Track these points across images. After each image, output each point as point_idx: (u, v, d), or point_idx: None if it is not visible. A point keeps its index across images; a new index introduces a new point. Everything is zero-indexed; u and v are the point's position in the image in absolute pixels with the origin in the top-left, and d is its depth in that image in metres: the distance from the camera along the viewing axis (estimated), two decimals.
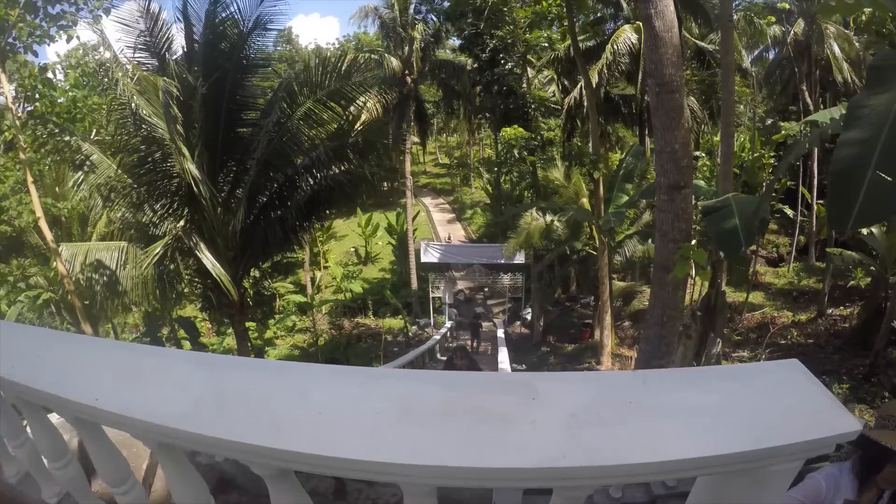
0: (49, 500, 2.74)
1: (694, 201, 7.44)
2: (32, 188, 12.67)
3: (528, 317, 25.88)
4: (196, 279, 10.48)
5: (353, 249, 36.35)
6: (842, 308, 15.60)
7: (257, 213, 10.36)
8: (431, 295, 26.62)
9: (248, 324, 15.44)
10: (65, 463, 2.30)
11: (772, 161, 19.36)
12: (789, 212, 20.50)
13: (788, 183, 21.83)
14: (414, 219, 27.77)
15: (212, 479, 5.19)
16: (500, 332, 21.06)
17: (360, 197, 11.65)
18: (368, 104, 17.07)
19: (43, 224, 12.40)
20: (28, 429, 2.46)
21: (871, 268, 11.99)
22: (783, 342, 13.86)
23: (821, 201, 21.89)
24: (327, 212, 11.39)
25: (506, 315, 27.47)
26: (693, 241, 6.90)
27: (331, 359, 19.46)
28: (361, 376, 1.65)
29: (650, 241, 17.41)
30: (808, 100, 19.97)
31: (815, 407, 1.26)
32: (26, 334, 2.51)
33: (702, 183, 10.14)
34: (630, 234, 16.20)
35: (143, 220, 9.64)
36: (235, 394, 1.53)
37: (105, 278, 9.39)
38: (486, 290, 31.37)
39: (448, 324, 23.45)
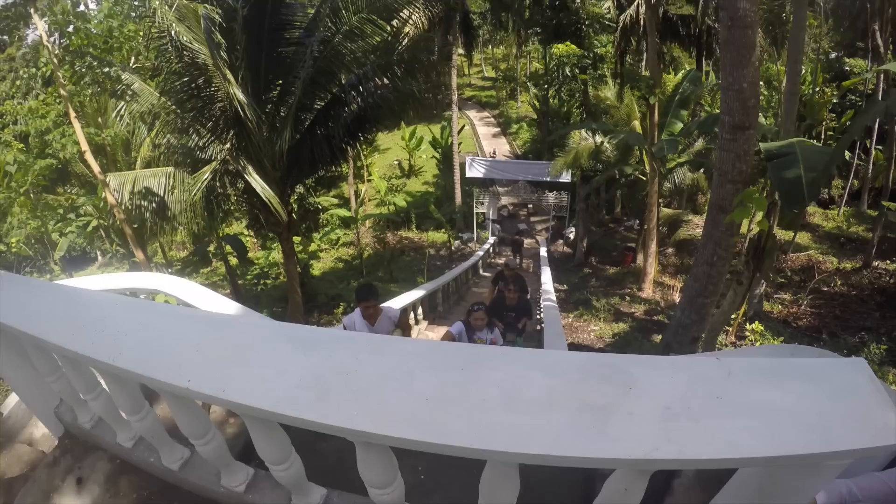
0: (124, 444, 2.95)
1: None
2: (75, 121, 12.81)
3: (571, 236, 25.63)
4: (243, 200, 10.60)
5: (396, 162, 36.04)
6: (888, 262, 14.88)
7: (304, 132, 10.28)
8: (475, 210, 26.51)
9: (293, 238, 15.73)
10: (143, 416, 2.50)
11: (833, 100, 18.07)
12: (846, 154, 19.23)
13: (847, 122, 20.50)
14: (459, 132, 27.11)
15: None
16: (543, 251, 20.93)
17: (406, 113, 11.43)
18: (413, 17, 16.29)
19: (89, 156, 12.65)
20: (103, 383, 2.65)
21: None
22: (825, 289, 13.39)
23: (879, 147, 20.57)
24: (374, 128, 11.20)
25: (549, 233, 27.27)
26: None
27: (365, 286, 19.62)
28: (463, 359, 1.71)
29: (701, 170, 16.72)
30: (879, 39, 18.12)
31: (880, 414, 1.34)
32: (104, 304, 2.63)
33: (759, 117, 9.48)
34: (682, 162, 15.52)
35: (189, 144, 9.69)
36: (338, 377, 1.65)
37: (154, 204, 9.55)
38: (529, 206, 31.05)
39: (491, 239, 23.47)
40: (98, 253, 20.50)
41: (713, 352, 5.12)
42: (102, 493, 3.05)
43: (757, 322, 9.90)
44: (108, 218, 15.68)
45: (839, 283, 13.56)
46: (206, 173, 8.08)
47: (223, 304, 4.95)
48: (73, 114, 12.64)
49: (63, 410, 3.26)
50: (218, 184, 9.21)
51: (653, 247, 14.68)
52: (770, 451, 1.30)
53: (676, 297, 13.88)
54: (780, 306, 12.71)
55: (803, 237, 18.05)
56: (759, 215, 5.83)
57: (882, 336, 9.78)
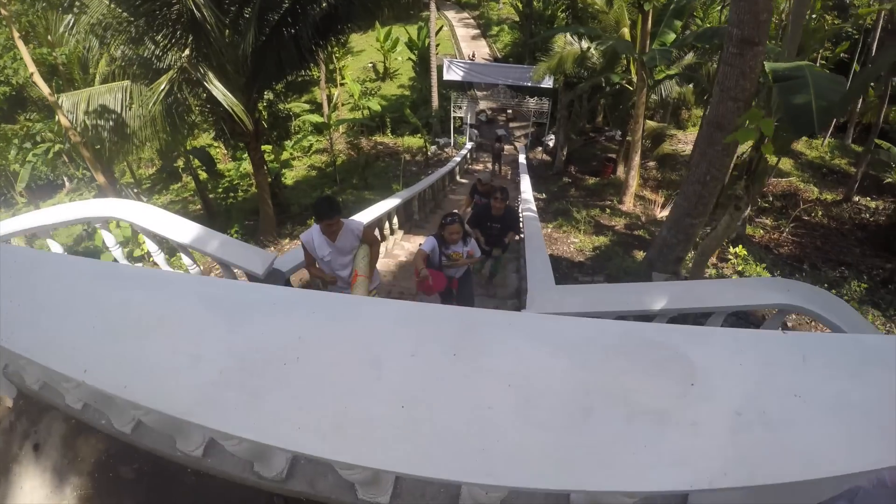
0: (74, 405, 2.72)
1: None
2: (20, 43, 11.85)
3: (551, 144, 25.11)
4: (207, 110, 9.88)
5: (370, 65, 34.33)
6: (869, 199, 14.88)
7: (270, 33, 9.45)
8: (453, 114, 25.61)
9: (264, 147, 15.04)
10: (76, 384, 2.17)
11: (833, 28, 17.29)
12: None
13: (842, 54, 19.84)
14: (436, 34, 25.67)
15: None
16: (522, 158, 20.51)
17: (381, 12, 10.65)
18: None
19: (37, 78, 11.74)
20: None
21: None
22: (806, 218, 13.38)
23: (872, 84, 20.09)
24: (346, 28, 10.36)
25: (528, 139, 26.69)
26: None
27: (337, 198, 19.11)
28: (454, 333, 1.32)
29: (690, 84, 16.08)
30: None
31: None
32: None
33: None
34: (671, 74, 14.87)
35: (145, 54, 8.78)
36: (274, 367, 1.22)
37: (111, 122, 8.74)
38: (509, 112, 30.20)
39: (469, 145, 22.89)
40: (65, 179, 19.58)
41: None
42: (60, 458, 2.90)
43: (741, 246, 9.82)
44: (66, 142, 14.70)
45: (820, 213, 13.55)
46: (162, 84, 7.37)
47: (179, 226, 4.68)
48: (16, 35, 11.66)
49: (11, 371, 3.02)
50: (179, 94, 8.48)
51: (636, 160, 14.35)
52: (850, 466, 1.03)
53: (658, 213, 13.75)
54: (761, 231, 12.68)
55: (785, 163, 17.85)
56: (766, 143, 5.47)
57: (862, 273, 9.83)
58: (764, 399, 1.10)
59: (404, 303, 1.58)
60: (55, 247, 4.77)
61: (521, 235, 11.49)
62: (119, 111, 8.64)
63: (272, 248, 11.28)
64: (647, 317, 4.51)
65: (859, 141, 19.66)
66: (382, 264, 8.13)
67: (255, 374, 1.20)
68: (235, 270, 4.93)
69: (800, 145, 20.29)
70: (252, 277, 4.63)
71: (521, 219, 13.15)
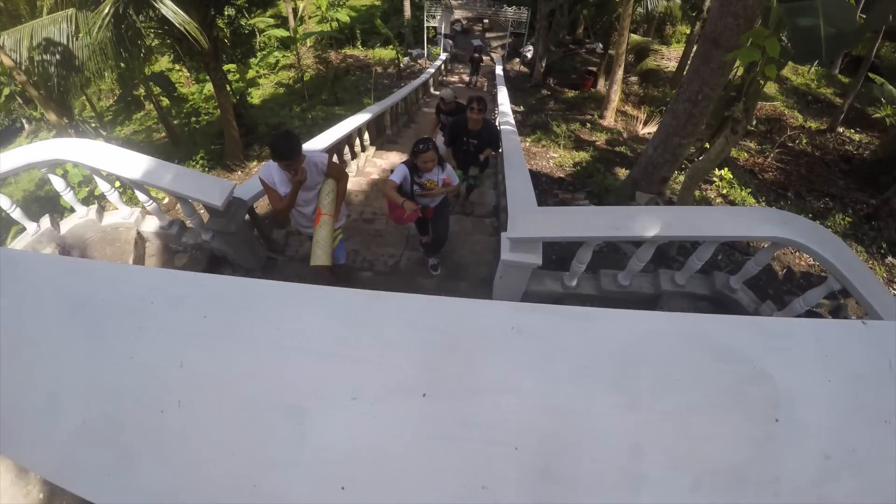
0: None
1: None
2: None
3: (529, 55, 24.22)
4: (161, 31, 9.12)
5: None
6: (853, 131, 14.53)
7: None
8: (426, 24, 24.39)
9: (228, 66, 14.20)
10: None
11: None
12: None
13: None
14: None
15: (202, 259, 5.04)
16: (499, 69, 19.74)
17: None
18: None
19: None
20: None
21: None
22: (791, 145, 13.10)
23: (864, 15, 19.24)
24: None
25: (505, 50, 25.70)
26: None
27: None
28: (425, 353, 0.92)
29: None
30: None
31: None
32: None
33: None
34: None
35: None
36: (144, 414, 0.86)
37: (58, 56, 7.93)
38: (485, 21, 28.97)
39: (443, 56, 21.97)
40: (24, 121, 18.40)
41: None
42: None
43: (726, 168, 9.63)
44: (10, 82, 13.55)
45: (805, 141, 13.27)
46: (106, 7, 6.67)
47: (128, 161, 4.32)
48: None
49: None
50: (127, 17, 7.72)
51: (619, 74, 13.78)
52: None
53: (640, 129, 13.41)
54: (746, 154, 12.43)
55: (770, 87, 17.35)
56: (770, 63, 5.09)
57: (847, 206, 9.72)
58: (854, 432, 0.82)
59: (347, 294, 1.08)
60: (3, 200, 4.36)
61: (500, 151, 11.19)
62: (66, 43, 7.85)
63: (239, 172, 10.85)
64: (636, 242, 4.32)
65: (846, 72, 19.14)
66: (354, 183, 7.83)
67: (123, 427, 0.83)
68: (194, 204, 4.62)
69: (786, 70, 19.78)
70: (213, 211, 4.34)
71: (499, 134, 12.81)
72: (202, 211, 5.42)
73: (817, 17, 4.88)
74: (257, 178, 4.91)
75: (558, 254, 6.17)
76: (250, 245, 4.90)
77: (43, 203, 10.40)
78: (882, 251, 8.13)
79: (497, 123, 12.98)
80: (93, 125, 13.67)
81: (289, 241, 5.60)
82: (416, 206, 4.19)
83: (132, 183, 4.36)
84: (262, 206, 7.25)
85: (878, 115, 14.32)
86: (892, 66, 16.09)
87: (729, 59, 5.68)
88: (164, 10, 7.19)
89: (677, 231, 3.80)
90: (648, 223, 3.79)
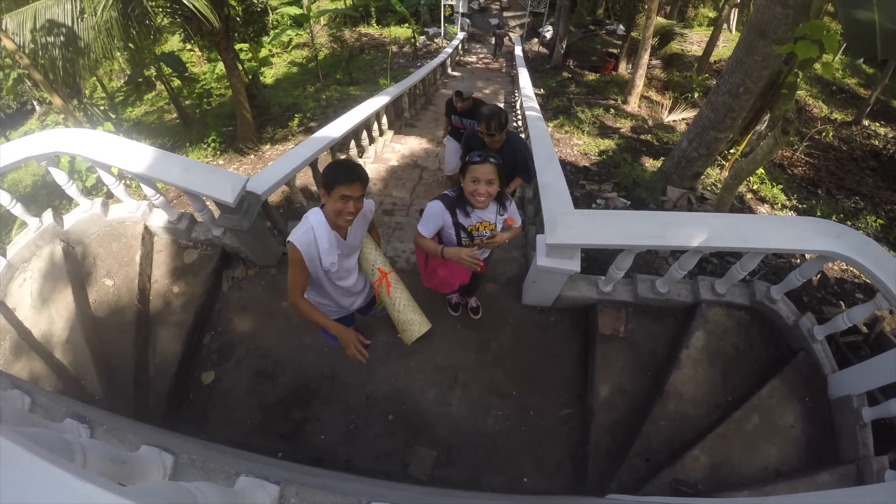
0: None
1: None
2: None
3: (548, 35, 23.60)
4: (168, 10, 8.72)
5: None
6: (878, 124, 13.97)
7: None
8: (443, 2, 23.76)
9: (240, 45, 13.78)
10: None
11: None
12: None
13: None
14: None
15: (214, 255, 4.73)
16: (518, 50, 19.24)
17: None
18: None
19: None
20: None
21: None
22: (817, 138, 12.53)
23: None
24: None
25: (523, 30, 25.05)
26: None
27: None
28: None
29: None
30: None
31: None
32: None
33: None
34: None
35: None
36: None
37: (62, 38, 7.54)
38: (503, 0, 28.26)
39: (460, 35, 21.44)
40: (35, 103, 18.09)
41: None
42: None
43: None
44: (16, 66, 13.18)
45: (831, 134, 12.72)
46: None
47: (132, 154, 4.00)
48: None
49: None
50: None
51: (645, 58, 13.24)
52: None
53: (665, 116, 12.89)
54: None
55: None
56: (827, 55, 4.66)
57: (878, 207, 9.29)
58: None
59: None
60: (2, 196, 4.05)
61: (532, 180, 10.73)
62: (70, 24, 7.45)
63: (252, 156, 10.53)
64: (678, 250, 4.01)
65: (871, 63, 18.43)
66: (372, 171, 7.51)
67: None
68: (205, 199, 4.29)
69: None
70: (224, 207, 4.01)
71: (516, 113, 12.35)
72: (211, 205, 5.11)
73: (872, 10, 4.50)
74: (273, 167, 4.61)
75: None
76: (264, 241, 4.58)
77: (52, 190, 10.13)
78: None
79: (519, 107, 12.58)
80: (102, 107, 13.36)
81: None
82: (476, 256, 2.79)
83: (137, 177, 4.03)
84: (275, 197, 6.94)
85: None
86: None
87: (784, 52, 5.23)
88: None
89: (727, 242, 3.57)
90: (696, 232, 3.57)
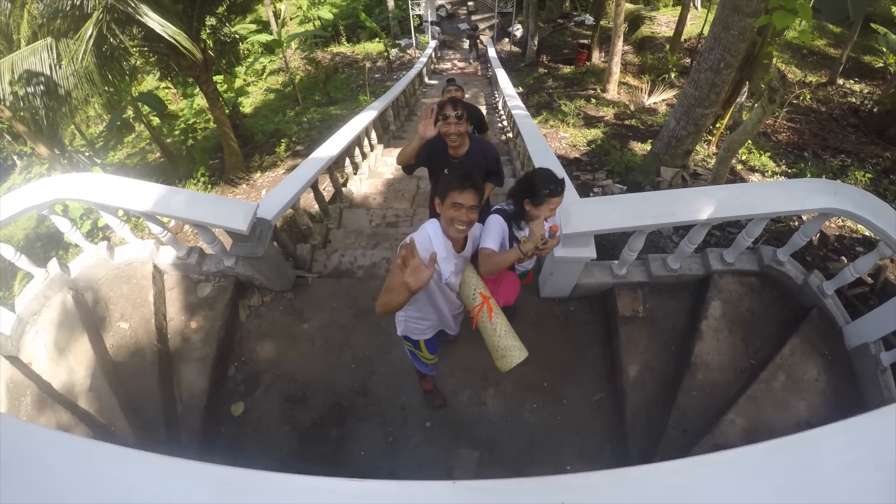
0: None
1: None
2: None
3: (518, 34, 23.77)
4: (146, 48, 8.72)
5: None
6: (852, 82, 14.17)
7: None
8: (412, 13, 23.87)
9: (215, 77, 13.78)
10: None
11: None
12: None
13: None
14: None
15: (228, 286, 4.72)
16: (492, 51, 19.34)
17: None
18: None
19: None
20: None
21: None
22: (796, 102, 12.67)
23: None
24: None
25: (493, 31, 25.21)
26: None
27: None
28: None
29: None
30: None
31: None
32: None
33: None
34: None
35: (65, 3, 7.28)
36: None
37: (41, 87, 7.49)
38: (470, 4, 28.45)
39: (432, 43, 21.52)
40: (14, 158, 17.96)
41: None
42: None
43: None
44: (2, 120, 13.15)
45: (808, 96, 12.86)
46: (88, 29, 6.26)
47: (138, 192, 4.00)
48: None
49: None
50: (111, 39, 7.32)
51: (619, 45, 13.34)
52: None
53: (645, 99, 12.98)
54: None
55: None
56: (802, 23, 4.76)
57: (864, 162, 9.42)
58: None
59: None
60: (5, 250, 4.00)
61: (506, 136, 10.83)
62: (48, 73, 7.40)
63: (244, 185, 10.52)
64: (687, 225, 4.08)
65: (838, 22, 18.70)
66: (369, 185, 7.55)
67: None
68: (214, 230, 4.28)
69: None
70: (237, 236, 4.00)
71: (500, 114, 12.43)
72: (222, 237, 5.10)
73: None
74: (274, 193, 4.61)
75: None
76: (279, 266, 4.58)
77: (46, 241, 10.07)
78: None
79: (501, 108, 12.62)
80: (86, 154, 13.30)
81: (315, 256, 5.26)
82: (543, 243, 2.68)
83: (143, 215, 4.03)
84: (278, 221, 6.93)
85: (879, 64, 13.98)
86: (883, 15, 15.63)
87: (761, 24, 5.34)
88: (151, 24, 6.78)
89: (735, 211, 3.71)
90: (703, 205, 3.69)
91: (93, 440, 1.31)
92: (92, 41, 6.34)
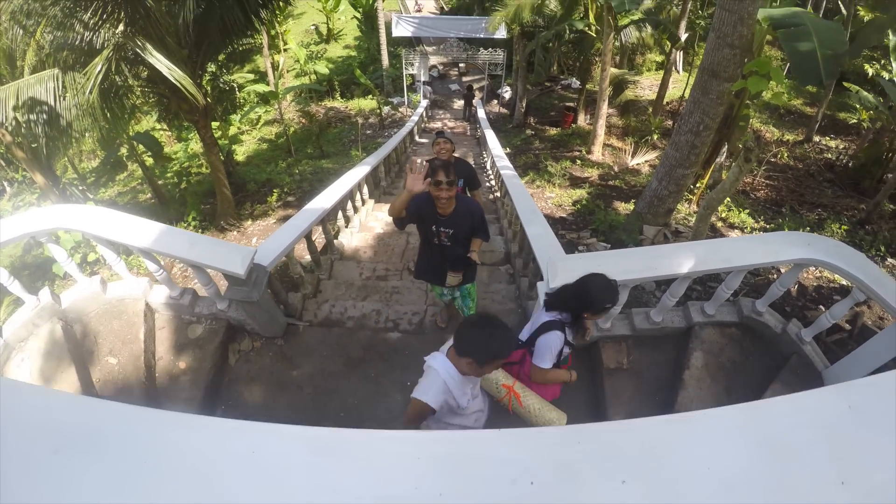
0: None
1: None
2: None
3: (507, 96, 24.59)
4: (149, 90, 8.95)
5: (313, 27, 32.92)
6: (828, 138, 14.92)
7: None
8: (405, 72, 24.64)
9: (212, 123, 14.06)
10: None
11: None
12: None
13: None
14: None
15: (220, 329, 4.74)
16: (481, 112, 19.91)
17: None
18: None
19: None
20: None
21: (883, 114, 11.07)
22: (774, 161, 13.30)
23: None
24: None
25: (483, 93, 26.03)
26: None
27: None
28: None
29: (646, 28, 15.57)
30: None
31: None
32: None
33: None
34: (635, 20, 14.38)
35: (76, 37, 7.66)
36: None
37: (44, 116, 7.65)
38: (461, 66, 29.44)
39: (424, 102, 22.12)
40: (5, 184, 17.99)
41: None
42: None
43: None
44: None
45: (786, 154, 13.43)
46: (97, 65, 6.46)
47: (137, 229, 4.10)
48: None
49: None
50: (116, 76, 7.54)
51: (604, 108, 13.93)
52: None
53: (629, 160, 13.45)
54: None
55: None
56: (771, 86, 5.14)
57: (840, 214, 9.82)
58: None
59: None
60: (1, 273, 4.06)
61: (494, 195, 11.08)
62: (52, 102, 7.56)
63: (235, 232, 10.59)
64: (668, 280, 4.27)
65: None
66: (360, 239, 7.69)
67: None
68: (209, 272, 4.37)
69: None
70: (233, 279, 4.09)
71: (488, 174, 12.75)
72: (217, 279, 5.17)
73: (812, 40, 4.99)
74: (271, 240, 4.73)
75: None
76: (271, 312, 4.64)
77: (33, 270, 9.95)
78: (881, 254, 8.15)
79: (490, 168, 12.97)
80: (80, 187, 13.33)
81: (306, 305, 5.35)
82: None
83: (142, 251, 4.11)
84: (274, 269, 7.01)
85: (853, 120, 14.57)
86: (856, 72, 16.49)
87: (737, 89, 5.73)
88: (159, 66, 6.94)
89: (712, 265, 3.88)
90: (682, 260, 3.87)
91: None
92: (100, 76, 6.50)
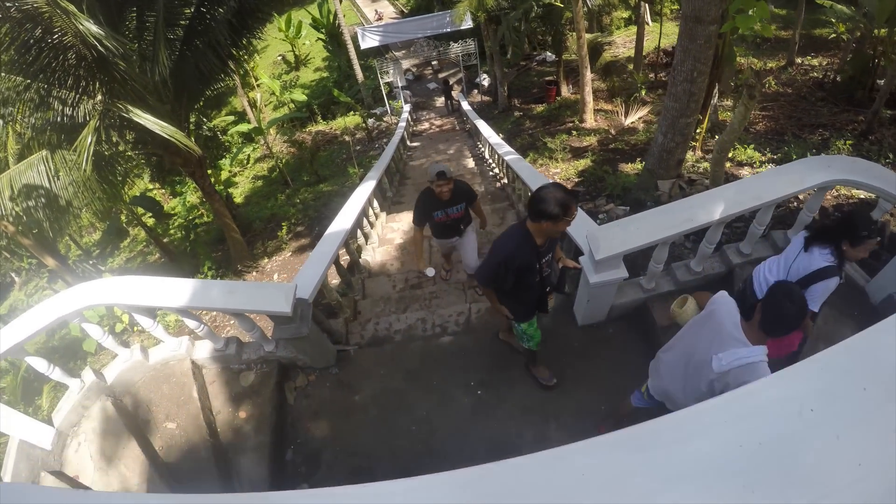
0: None
1: None
2: None
3: (486, 83, 24.48)
4: (140, 150, 8.92)
5: (279, 58, 32.92)
6: (809, 57, 14.60)
7: (182, 48, 8.59)
8: (382, 81, 24.54)
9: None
10: None
11: None
12: None
13: None
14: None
15: (271, 370, 4.67)
16: (465, 105, 19.87)
17: None
18: None
19: None
20: None
21: (861, 23, 10.81)
22: (763, 90, 12.90)
23: None
24: (260, 17, 9.34)
25: (461, 85, 25.93)
26: None
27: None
28: None
29: None
30: None
31: None
32: None
33: None
34: None
35: (56, 115, 7.62)
36: None
37: (42, 199, 7.62)
38: (434, 64, 29.32)
39: (406, 107, 22.03)
40: (13, 275, 18.08)
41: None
42: None
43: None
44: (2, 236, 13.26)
45: (773, 82, 13.21)
46: (87, 138, 6.39)
47: (170, 290, 4.03)
48: None
49: None
50: (106, 145, 7.50)
51: (588, 75, 13.79)
52: None
53: (624, 121, 13.29)
54: (729, 114, 12.22)
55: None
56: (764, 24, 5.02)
57: (841, 130, 9.62)
58: None
59: None
60: (38, 363, 4.01)
61: (500, 183, 10.98)
62: (47, 184, 7.50)
63: (254, 273, 10.57)
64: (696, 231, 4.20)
65: (785, 5, 19.27)
66: (382, 252, 7.63)
67: None
68: (252, 317, 4.30)
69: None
70: (279, 319, 4.02)
71: (489, 164, 12.67)
72: (262, 323, 5.09)
73: None
74: (303, 272, 4.66)
75: None
76: (320, 343, 4.58)
77: (62, 353, 9.98)
78: (890, 161, 8.01)
79: (486, 155, 12.88)
80: (89, 262, 13.34)
81: (349, 329, 5.28)
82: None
83: (178, 311, 4.05)
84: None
85: (832, 35, 14.32)
86: None
87: (727, 29, 5.66)
88: (149, 125, 6.89)
89: (745, 205, 3.92)
90: (716, 206, 3.91)
91: None
92: (91, 146, 6.43)
